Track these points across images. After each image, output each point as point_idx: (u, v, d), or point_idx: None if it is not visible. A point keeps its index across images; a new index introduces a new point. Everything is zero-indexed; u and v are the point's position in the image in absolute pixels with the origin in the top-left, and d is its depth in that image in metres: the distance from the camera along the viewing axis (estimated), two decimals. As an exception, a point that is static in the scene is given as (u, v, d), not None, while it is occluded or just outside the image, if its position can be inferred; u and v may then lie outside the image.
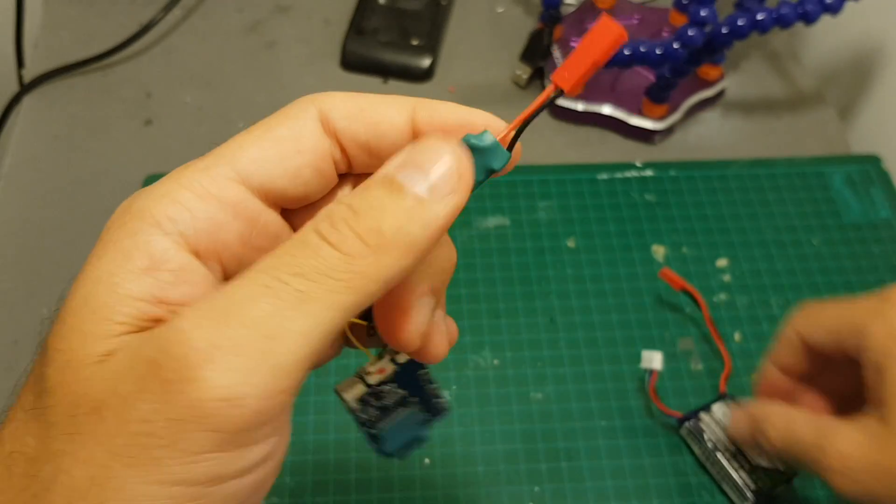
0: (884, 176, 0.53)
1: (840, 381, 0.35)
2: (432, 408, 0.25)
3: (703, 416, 0.41)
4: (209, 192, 0.20)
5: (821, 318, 0.34)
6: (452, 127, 0.21)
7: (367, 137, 0.21)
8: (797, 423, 0.33)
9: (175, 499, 0.17)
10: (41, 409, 0.18)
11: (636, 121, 0.54)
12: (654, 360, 0.41)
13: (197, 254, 0.20)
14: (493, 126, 0.22)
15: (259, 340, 0.17)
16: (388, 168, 0.19)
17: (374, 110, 0.21)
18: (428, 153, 0.19)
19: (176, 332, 0.17)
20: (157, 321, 0.18)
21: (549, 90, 0.21)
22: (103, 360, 0.18)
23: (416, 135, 0.21)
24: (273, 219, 0.21)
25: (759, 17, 0.47)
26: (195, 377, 0.16)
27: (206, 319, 0.17)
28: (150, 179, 0.51)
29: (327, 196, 0.22)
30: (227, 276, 0.20)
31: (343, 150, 0.22)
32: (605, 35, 0.21)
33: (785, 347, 0.36)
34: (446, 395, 0.28)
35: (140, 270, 0.19)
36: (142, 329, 0.18)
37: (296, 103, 0.21)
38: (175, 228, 0.19)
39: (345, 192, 0.23)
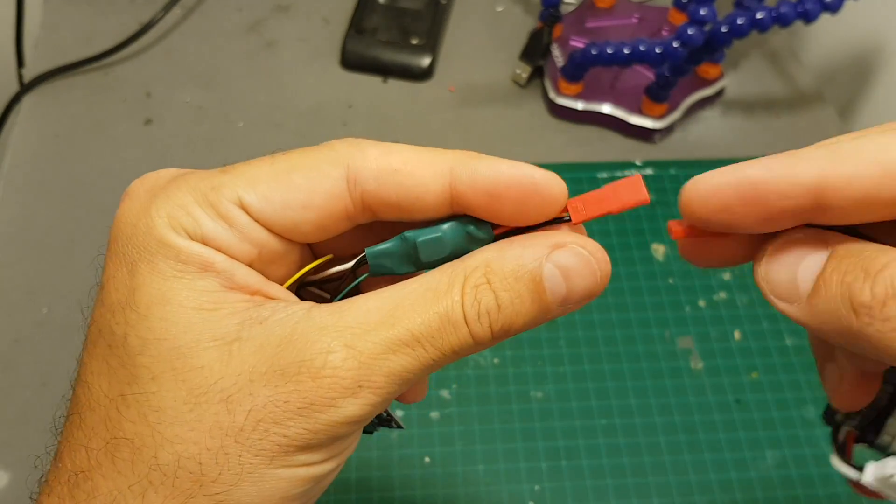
0: (883, 174, 0.53)
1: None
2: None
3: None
4: (218, 212, 0.21)
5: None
6: (500, 189, 0.20)
7: (398, 200, 0.21)
8: None
9: (299, 476, 0.20)
10: (140, 395, 0.19)
11: (636, 119, 0.54)
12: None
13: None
14: (548, 179, 0.21)
15: (393, 387, 0.20)
16: (540, 255, 0.20)
17: (408, 173, 0.21)
18: (578, 268, 0.20)
19: (324, 355, 0.19)
20: (243, 303, 0.20)
21: (560, 213, 0.21)
22: (220, 346, 0.19)
23: (454, 198, 0.21)
24: (279, 244, 0.22)
25: (759, 15, 0.47)
26: (335, 405, 0.19)
27: (352, 357, 0.19)
28: (151, 179, 0.52)
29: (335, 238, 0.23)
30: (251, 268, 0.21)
31: (368, 207, 0.21)
32: (631, 195, 0.20)
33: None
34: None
35: (198, 269, 0.20)
36: (231, 308, 0.20)
37: (328, 152, 0.21)
38: (195, 238, 0.20)
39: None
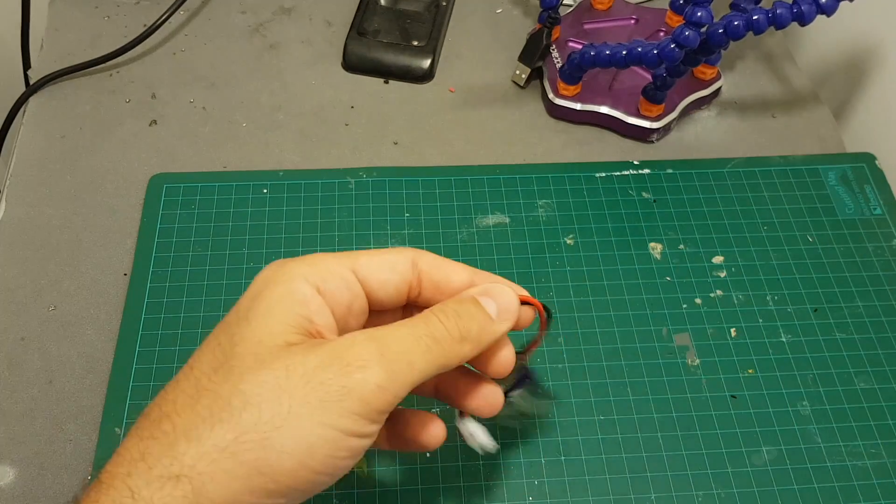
0: (878, 174, 0.54)
1: None
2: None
3: None
4: (334, 271, 0.31)
5: None
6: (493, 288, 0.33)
7: (439, 280, 0.32)
8: None
9: (327, 437, 0.26)
10: (227, 366, 0.27)
11: (633, 120, 0.55)
12: None
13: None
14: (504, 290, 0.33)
15: (403, 364, 0.28)
16: (474, 292, 0.32)
17: (448, 267, 0.33)
18: (497, 292, 0.32)
19: (352, 338, 0.28)
20: (311, 334, 0.29)
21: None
22: (288, 346, 0.28)
23: (470, 286, 0.33)
24: (364, 302, 0.32)
25: (755, 17, 0.47)
26: (365, 367, 0.27)
27: (373, 340, 0.28)
28: (156, 179, 0.52)
29: (392, 312, 0.34)
30: (336, 321, 0.31)
31: (421, 284, 0.32)
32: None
33: None
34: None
35: (299, 302, 0.29)
36: (303, 333, 0.29)
37: (401, 248, 0.33)
38: (318, 287, 0.30)
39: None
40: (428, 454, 0.41)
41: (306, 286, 0.30)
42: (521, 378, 0.36)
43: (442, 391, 0.35)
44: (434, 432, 0.34)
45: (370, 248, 0.34)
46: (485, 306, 0.31)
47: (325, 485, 0.28)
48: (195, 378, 0.28)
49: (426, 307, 0.32)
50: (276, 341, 0.28)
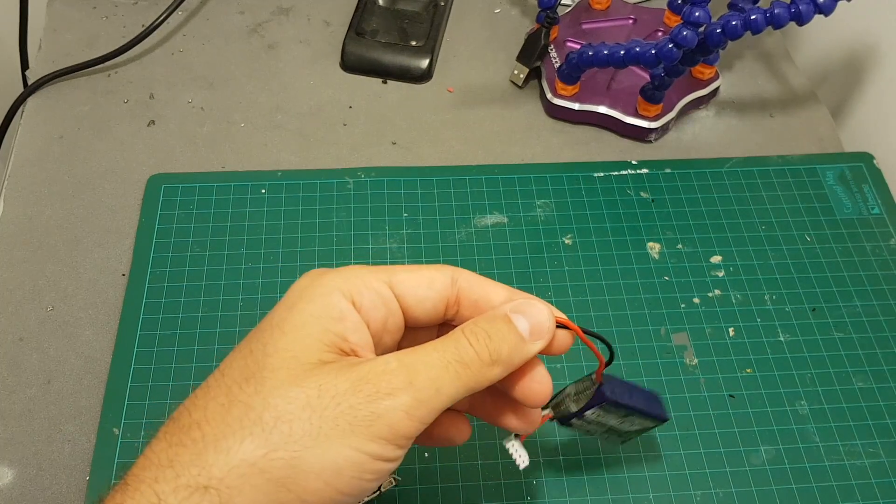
0: (876, 173, 0.54)
1: None
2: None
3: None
4: (371, 286, 0.30)
5: None
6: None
7: (478, 299, 0.32)
8: None
9: (355, 460, 0.27)
10: (259, 378, 0.27)
11: (631, 120, 0.55)
12: None
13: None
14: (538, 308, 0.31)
15: (432, 391, 0.28)
16: (507, 309, 0.31)
17: (487, 286, 0.32)
18: (530, 309, 0.31)
19: (384, 364, 0.28)
20: (345, 352, 0.29)
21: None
22: (322, 364, 0.28)
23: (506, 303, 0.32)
24: (401, 318, 0.31)
25: (753, 17, 0.47)
26: (394, 395, 0.27)
27: (403, 366, 0.28)
28: (154, 179, 0.52)
29: (427, 330, 0.33)
30: (371, 336, 0.30)
31: (459, 302, 0.32)
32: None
33: None
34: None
35: (335, 318, 0.29)
36: (337, 352, 0.29)
37: (442, 265, 0.32)
38: (353, 301, 0.30)
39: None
40: (426, 454, 0.41)
41: (343, 301, 0.29)
42: (595, 397, 0.35)
43: (476, 408, 0.34)
44: (463, 428, 0.34)
45: (407, 264, 0.33)
46: (517, 325, 0.30)
47: None
48: (226, 386, 0.28)
49: (464, 320, 0.32)
50: (310, 358, 0.28)
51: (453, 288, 0.31)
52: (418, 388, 0.27)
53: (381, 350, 0.31)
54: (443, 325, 0.33)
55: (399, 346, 0.33)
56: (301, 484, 0.26)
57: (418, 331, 0.33)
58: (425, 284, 0.31)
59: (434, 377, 0.28)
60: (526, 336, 0.30)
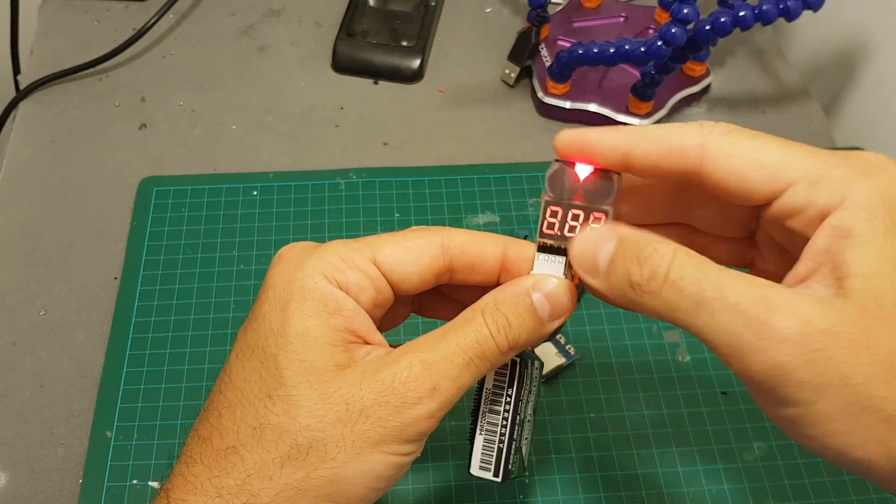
0: (868, 169, 0.54)
1: (721, 223, 0.31)
2: None
3: None
4: (356, 265, 0.29)
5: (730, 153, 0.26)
6: (530, 260, 0.30)
7: (474, 261, 0.30)
8: (710, 274, 0.25)
9: (389, 462, 0.27)
10: (285, 396, 0.27)
11: (623, 117, 0.55)
12: None
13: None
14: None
15: (455, 391, 0.28)
16: (528, 286, 0.29)
17: (480, 243, 0.30)
18: (551, 290, 0.29)
19: (407, 369, 0.27)
20: (353, 342, 0.28)
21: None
22: (340, 370, 0.28)
23: (505, 262, 0.30)
24: (389, 294, 0.30)
25: (741, 13, 0.47)
26: (420, 403, 0.27)
27: (426, 369, 0.27)
28: (146, 182, 0.52)
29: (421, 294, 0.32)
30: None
31: (452, 267, 0.30)
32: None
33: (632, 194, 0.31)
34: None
35: (332, 312, 0.28)
36: (346, 346, 0.28)
37: (431, 229, 0.31)
38: (340, 285, 0.29)
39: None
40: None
41: (332, 289, 0.28)
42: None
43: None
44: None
45: (393, 232, 0.30)
46: (538, 309, 0.29)
47: (386, 493, 0.29)
48: (252, 406, 0.28)
49: (458, 283, 0.31)
50: (326, 365, 0.28)
51: (445, 257, 0.30)
52: (442, 391, 0.27)
53: (376, 322, 0.31)
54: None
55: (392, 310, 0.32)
56: (345, 494, 0.27)
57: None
58: (413, 258, 0.30)
59: (456, 377, 0.28)
60: (545, 318, 0.29)
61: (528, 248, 0.30)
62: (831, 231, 0.24)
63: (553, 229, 0.29)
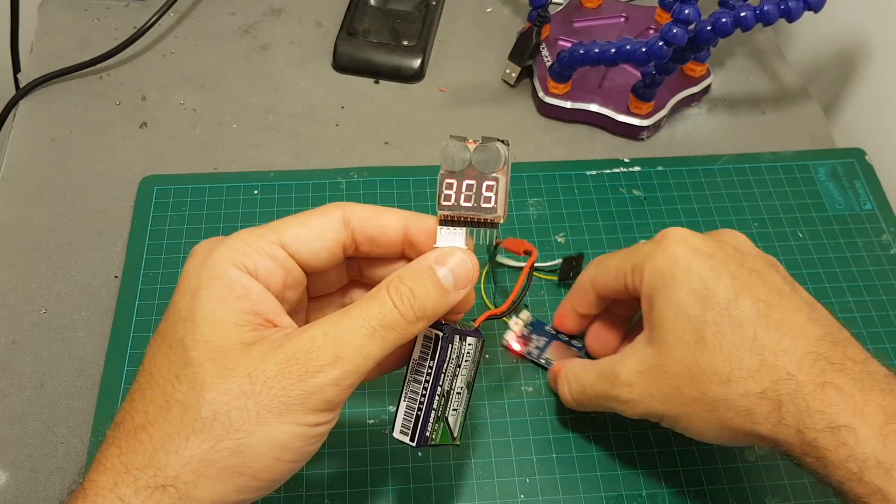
0: (868, 169, 0.54)
1: (624, 309, 0.42)
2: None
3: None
4: (262, 250, 0.30)
5: (608, 266, 0.39)
6: (431, 233, 0.32)
7: (373, 234, 0.32)
8: (586, 379, 0.39)
9: (296, 433, 0.28)
10: (189, 374, 0.28)
11: (623, 118, 0.55)
12: None
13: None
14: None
15: (359, 360, 0.29)
16: (431, 260, 0.31)
17: (380, 217, 0.32)
18: (454, 260, 0.31)
19: (310, 341, 0.28)
20: (260, 325, 0.29)
21: None
22: (245, 347, 0.28)
23: (407, 236, 0.33)
24: (300, 273, 0.32)
25: (742, 14, 0.47)
26: (322, 371, 0.28)
27: (329, 339, 0.29)
28: (147, 181, 0.52)
29: (334, 269, 0.34)
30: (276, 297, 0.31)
31: (355, 240, 0.32)
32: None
33: (579, 294, 0.42)
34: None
35: (239, 297, 0.29)
36: (253, 327, 0.29)
37: (331, 206, 0.32)
38: (248, 270, 0.30)
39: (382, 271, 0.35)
40: (419, 453, 0.41)
41: (239, 274, 0.30)
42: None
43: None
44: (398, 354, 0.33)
45: (297, 213, 0.32)
46: (441, 279, 0.31)
47: (300, 468, 0.30)
48: (160, 386, 0.29)
49: (365, 257, 0.33)
50: (232, 344, 0.28)
51: (347, 229, 0.32)
52: (345, 360, 0.28)
53: (290, 306, 0.32)
54: (350, 259, 0.34)
55: (308, 291, 0.34)
56: (252, 466, 0.28)
57: (324, 273, 0.34)
58: (316, 236, 0.31)
59: (360, 345, 0.29)
60: (450, 288, 0.31)
61: (430, 221, 0.32)
62: (644, 301, 0.37)
63: (450, 200, 0.32)
